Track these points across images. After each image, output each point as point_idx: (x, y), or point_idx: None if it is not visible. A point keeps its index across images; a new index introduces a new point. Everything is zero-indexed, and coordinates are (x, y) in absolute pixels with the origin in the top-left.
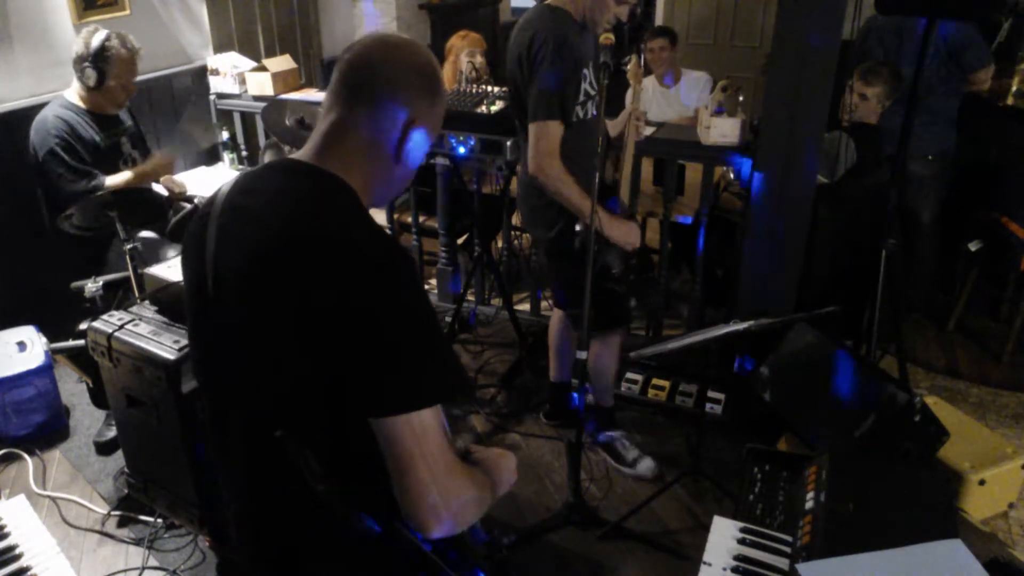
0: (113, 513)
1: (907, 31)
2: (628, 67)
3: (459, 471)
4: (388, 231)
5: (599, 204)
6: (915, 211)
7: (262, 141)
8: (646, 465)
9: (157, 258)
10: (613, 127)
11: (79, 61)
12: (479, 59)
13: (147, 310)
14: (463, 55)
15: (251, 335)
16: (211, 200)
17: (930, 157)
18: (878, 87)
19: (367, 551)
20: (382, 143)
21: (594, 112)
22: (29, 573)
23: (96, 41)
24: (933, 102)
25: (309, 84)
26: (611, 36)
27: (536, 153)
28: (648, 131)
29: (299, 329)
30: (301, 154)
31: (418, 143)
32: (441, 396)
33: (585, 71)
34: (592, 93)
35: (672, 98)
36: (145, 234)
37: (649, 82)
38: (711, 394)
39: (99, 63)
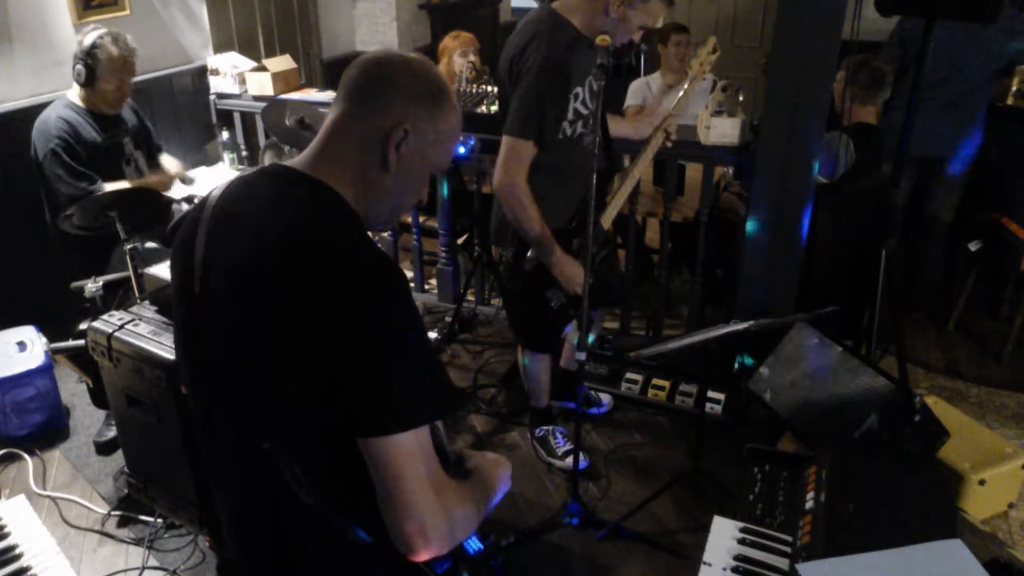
0: (113, 513)
1: (971, 32)
2: (699, 56)
3: (449, 491)
4: (388, 233)
5: (557, 242)
6: (938, 211)
7: (262, 141)
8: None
9: (156, 262)
10: (635, 129)
11: (74, 59)
12: (472, 57)
13: (147, 310)
14: (456, 55)
15: (238, 344)
16: (201, 205)
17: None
18: (864, 83)
19: (358, 560)
20: (369, 143)
21: (583, 129)
22: (29, 573)
23: (88, 40)
24: (978, 103)
25: (309, 84)
26: (607, 37)
27: (503, 168)
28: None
29: (284, 339)
30: (296, 160)
31: (410, 152)
32: (430, 416)
33: (579, 90)
34: (584, 112)
35: (674, 97)
36: (148, 245)
37: (652, 81)
38: (711, 394)
39: (88, 61)
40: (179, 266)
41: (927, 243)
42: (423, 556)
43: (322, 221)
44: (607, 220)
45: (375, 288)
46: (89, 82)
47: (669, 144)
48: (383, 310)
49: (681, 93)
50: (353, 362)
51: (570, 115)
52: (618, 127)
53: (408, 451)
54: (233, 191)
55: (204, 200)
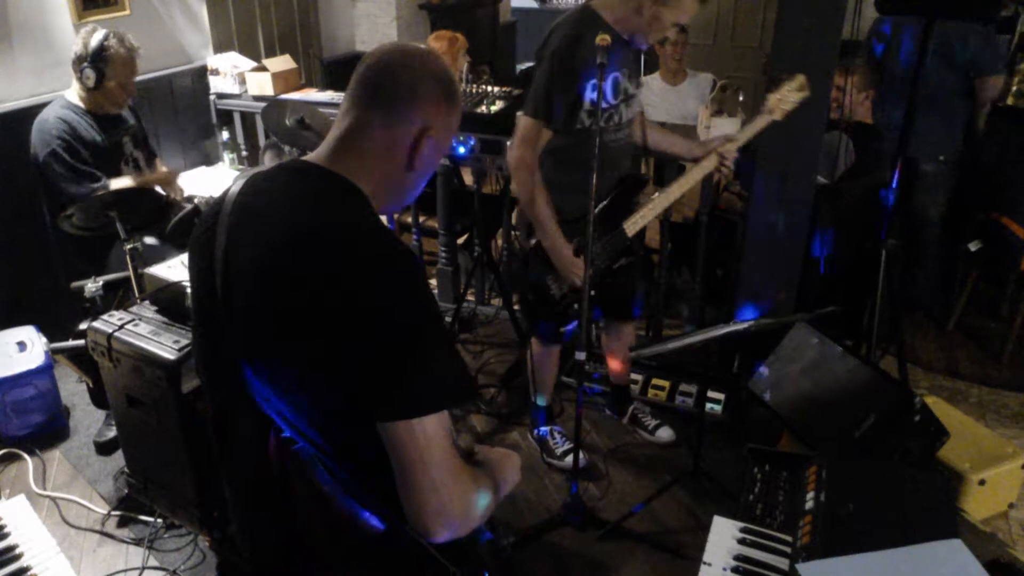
0: (113, 513)
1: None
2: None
3: (464, 475)
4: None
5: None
6: (924, 211)
7: (262, 141)
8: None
9: (156, 261)
10: (688, 149)
11: (78, 62)
12: (462, 59)
13: (147, 310)
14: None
15: (259, 336)
16: (220, 200)
17: (942, 158)
18: (854, 75)
19: (373, 552)
20: (396, 147)
21: (604, 124)
22: (29, 573)
23: (95, 41)
24: (948, 103)
25: (309, 84)
26: (607, 37)
27: (515, 146)
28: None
29: (307, 330)
30: (314, 156)
31: (431, 151)
32: (449, 401)
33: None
34: (604, 106)
35: (676, 97)
36: (146, 240)
37: (653, 80)
38: (711, 394)
39: (98, 63)
40: (198, 261)
41: (917, 242)
42: (440, 538)
43: (341, 214)
44: (631, 228)
45: (394, 280)
46: (98, 85)
47: (724, 170)
48: (402, 300)
49: (742, 122)
50: (374, 350)
51: (587, 105)
52: (672, 144)
53: (427, 435)
54: (253, 186)
55: (222, 196)
